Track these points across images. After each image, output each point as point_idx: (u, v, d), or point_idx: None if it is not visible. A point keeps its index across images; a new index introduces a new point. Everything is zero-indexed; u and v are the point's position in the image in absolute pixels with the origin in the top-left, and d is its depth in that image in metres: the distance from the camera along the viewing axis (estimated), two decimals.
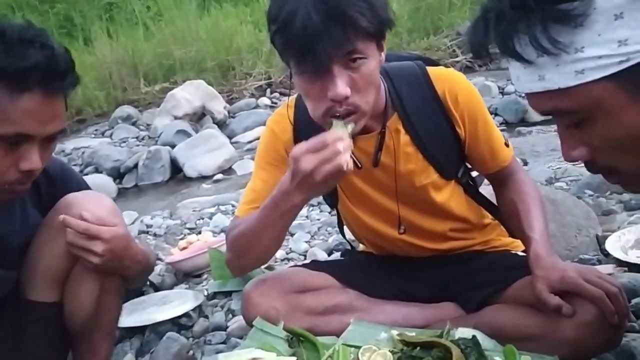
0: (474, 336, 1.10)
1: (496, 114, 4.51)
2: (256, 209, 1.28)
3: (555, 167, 3.04)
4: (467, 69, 5.84)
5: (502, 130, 4.32)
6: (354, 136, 1.19)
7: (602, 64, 0.72)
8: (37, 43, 1.01)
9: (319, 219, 2.73)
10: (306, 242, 2.45)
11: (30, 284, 1.20)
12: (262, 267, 1.79)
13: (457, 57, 5.93)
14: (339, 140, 1.08)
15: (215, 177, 4.27)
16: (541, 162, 3.31)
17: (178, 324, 1.82)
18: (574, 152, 0.79)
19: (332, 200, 1.46)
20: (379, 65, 1.20)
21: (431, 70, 1.34)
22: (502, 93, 5.01)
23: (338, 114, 1.15)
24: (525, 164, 3.23)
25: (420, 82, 1.32)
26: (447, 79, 1.33)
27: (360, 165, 1.33)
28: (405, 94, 1.31)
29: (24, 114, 1.00)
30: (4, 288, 1.18)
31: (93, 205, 1.18)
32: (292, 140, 1.37)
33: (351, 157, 1.31)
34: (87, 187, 1.32)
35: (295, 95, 1.38)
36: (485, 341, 1.14)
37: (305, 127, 1.32)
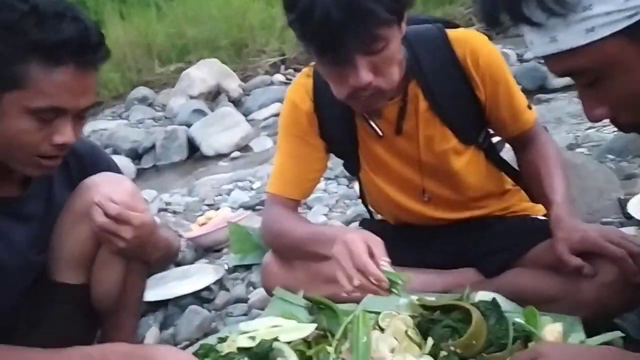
0: (494, 298, 1.10)
1: (515, 82, 4.44)
2: (287, 185, 1.36)
3: (576, 133, 3.00)
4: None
5: None
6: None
7: (611, 20, 0.71)
8: (69, 16, 1.01)
9: (336, 192, 2.73)
10: (324, 215, 2.46)
11: (57, 266, 1.21)
12: None
13: (473, 25, 5.81)
14: None
15: (232, 155, 4.29)
16: (562, 129, 3.26)
17: (200, 297, 1.85)
18: (595, 111, 0.79)
19: (353, 168, 1.45)
20: (400, 39, 1.17)
21: (451, 32, 1.30)
22: (521, 60, 4.92)
23: (361, 96, 1.15)
24: (546, 130, 3.18)
25: (440, 46, 1.29)
26: (467, 41, 1.29)
27: (382, 134, 1.32)
28: (424, 59, 1.28)
29: (58, 88, 1.00)
30: (35, 271, 1.20)
31: (115, 188, 1.18)
32: (313, 110, 1.36)
33: (372, 126, 1.31)
34: (117, 167, 1.33)
35: (313, 64, 1.37)
36: (505, 304, 1.13)
37: (324, 96, 1.31)
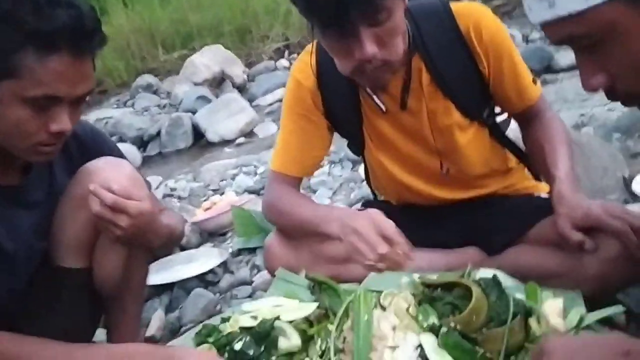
0: (494, 275, 1.09)
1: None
2: (290, 163, 1.37)
3: (583, 113, 2.98)
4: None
5: None
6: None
7: None
8: (63, 3, 0.99)
9: (340, 175, 2.73)
10: (328, 198, 2.46)
11: (59, 251, 1.22)
12: None
13: None
14: None
15: (238, 141, 4.29)
16: (568, 108, 3.23)
17: (204, 280, 1.87)
18: (592, 79, 0.78)
19: (358, 146, 1.44)
20: (403, 9, 1.16)
21: (454, 5, 1.29)
22: (527, 41, 4.87)
23: (366, 70, 1.14)
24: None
25: (443, 19, 1.27)
26: (471, 14, 1.27)
27: (385, 110, 1.32)
28: (427, 32, 1.27)
29: (53, 76, 0.99)
30: (39, 257, 1.21)
31: (115, 174, 1.17)
32: (316, 87, 1.36)
33: (376, 101, 1.30)
34: (119, 151, 1.32)
35: (315, 41, 1.35)
36: (507, 280, 1.13)
37: (327, 73, 1.31)
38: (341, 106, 1.35)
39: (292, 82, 1.40)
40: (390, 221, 1.14)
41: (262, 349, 1.10)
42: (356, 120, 1.36)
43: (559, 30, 0.76)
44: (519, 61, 1.31)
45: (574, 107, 3.24)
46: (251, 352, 1.09)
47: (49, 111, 1.02)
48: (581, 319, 1.01)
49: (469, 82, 1.30)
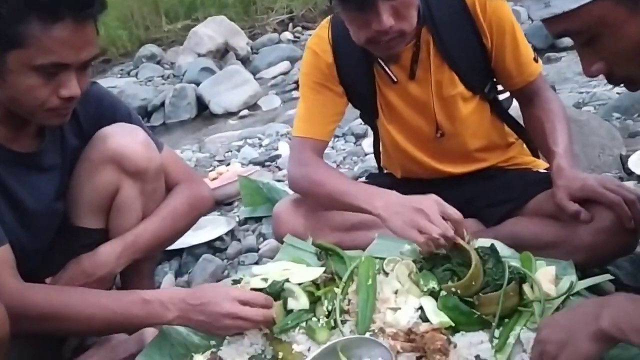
0: (492, 244, 1.16)
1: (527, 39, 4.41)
2: (312, 126, 1.42)
3: (584, 92, 3.01)
4: None
5: None
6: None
7: None
8: None
9: (344, 149, 2.77)
10: None
11: (77, 212, 1.28)
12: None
13: None
14: None
15: (241, 113, 4.32)
16: (570, 87, 3.27)
17: (213, 247, 1.93)
18: (592, 67, 0.85)
19: (371, 116, 1.49)
20: None
21: None
22: (532, 19, 4.86)
23: (382, 40, 1.20)
24: (554, 89, 3.19)
25: None
26: None
27: (396, 80, 1.36)
28: (435, 6, 1.33)
29: (58, 43, 1.02)
30: (59, 217, 1.26)
31: (129, 140, 1.24)
32: (333, 60, 1.41)
33: (386, 72, 1.35)
34: (126, 111, 1.35)
35: (330, 16, 1.42)
36: (503, 249, 1.19)
37: (343, 46, 1.36)
38: (356, 78, 1.41)
39: (309, 54, 1.45)
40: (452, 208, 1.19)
41: None
42: (370, 91, 1.42)
43: (556, 26, 0.83)
44: (521, 38, 1.36)
45: (575, 86, 3.27)
46: None
47: (57, 77, 1.05)
48: (572, 286, 1.08)
49: (473, 55, 1.35)
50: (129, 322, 1.14)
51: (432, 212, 1.15)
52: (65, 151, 1.26)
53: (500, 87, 1.45)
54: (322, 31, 1.43)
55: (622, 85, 0.90)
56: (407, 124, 1.43)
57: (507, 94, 1.46)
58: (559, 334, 0.83)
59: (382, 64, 1.36)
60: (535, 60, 1.38)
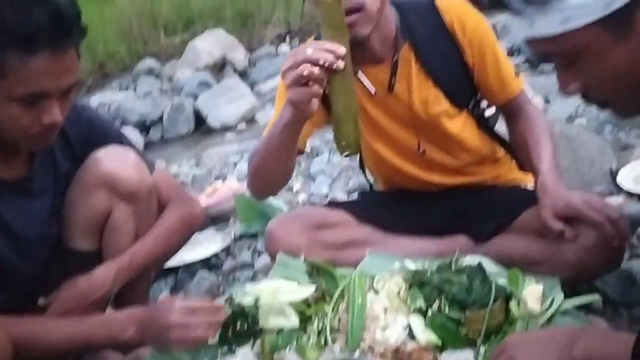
0: (479, 262, 1.18)
1: (519, 52, 4.44)
2: None
3: (577, 104, 3.03)
4: (490, 8, 5.70)
5: (524, 69, 4.28)
6: (365, 65, 1.30)
7: (586, 11, 0.77)
8: (40, 1, 1.01)
9: (339, 164, 2.79)
10: (327, 185, 2.53)
11: (71, 235, 1.29)
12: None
13: None
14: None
15: (239, 127, 4.34)
16: (563, 100, 3.28)
17: (208, 264, 1.94)
18: (568, 88, 0.86)
19: None
20: None
21: (439, 1, 1.38)
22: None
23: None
24: (547, 101, 3.22)
25: (429, 12, 1.37)
26: (455, 8, 1.37)
27: (374, 93, 1.38)
28: (414, 24, 1.36)
29: (37, 73, 1.02)
30: (53, 241, 1.28)
31: (121, 162, 1.26)
32: None
33: (364, 84, 1.37)
34: (117, 132, 1.37)
35: (314, 36, 1.44)
36: (491, 267, 1.21)
37: None
38: None
39: None
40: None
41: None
42: None
43: (538, 47, 0.84)
44: (502, 54, 1.40)
45: (569, 97, 3.29)
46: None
47: (39, 105, 1.06)
48: (553, 304, 1.10)
49: (456, 72, 1.38)
50: (91, 345, 1.17)
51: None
52: (57, 174, 1.27)
53: (484, 104, 1.48)
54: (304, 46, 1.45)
55: (596, 105, 0.91)
56: (389, 136, 1.45)
57: (494, 110, 1.49)
58: (528, 357, 0.84)
59: (360, 77, 1.38)
60: (517, 75, 1.41)
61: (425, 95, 1.38)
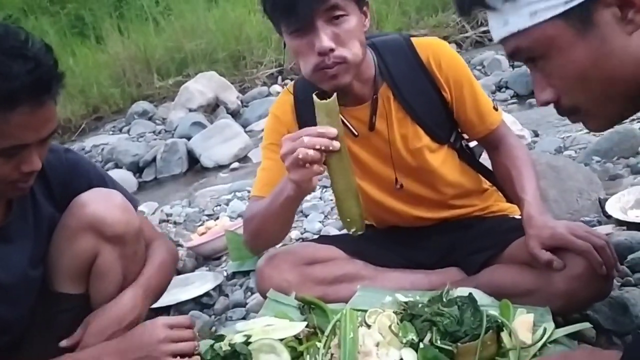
0: (470, 293, 1.18)
1: (507, 87, 4.53)
2: (267, 187, 1.41)
3: (565, 137, 3.08)
4: (477, 44, 5.84)
5: (512, 103, 4.36)
6: (347, 107, 1.32)
7: (551, 4, 0.80)
8: (19, 57, 1.00)
9: (331, 200, 2.81)
10: (320, 222, 2.53)
11: (56, 278, 1.27)
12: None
13: (466, 32, 5.92)
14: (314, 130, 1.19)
15: (232, 166, 4.37)
16: (551, 133, 3.34)
17: (200, 302, 1.93)
18: (542, 94, 0.87)
19: None
20: (363, 27, 1.30)
21: (414, 40, 1.43)
22: (513, 66, 5.00)
23: (327, 67, 1.25)
24: (537, 135, 3.27)
25: (405, 51, 1.40)
26: (429, 46, 1.41)
27: (356, 134, 1.41)
28: (392, 63, 1.39)
29: (17, 128, 1.03)
30: (36, 285, 1.26)
31: (106, 205, 1.25)
32: (294, 121, 1.46)
33: (347, 126, 1.40)
34: (97, 175, 1.37)
35: (292, 82, 1.48)
36: (483, 299, 1.21)
37: (304, 107, 1.41)
38: None
39: (270, 118, 1.51)
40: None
41: None
42: None
43: (510, 44, 0.86)
44: (479, 89, 1.43)
45: (556, 130, 3.35)
46: None
47: (18, 155, 1.06)
48: (545, 333, 1.09)
49: (435, 109, 1.41)
50: None
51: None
52: (38, 218, 1.26)
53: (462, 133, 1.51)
54: (284, 96, 1.50)
55: (569, 117, 0.91)
56: (374, 174, 1.47)
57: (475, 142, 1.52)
58: None
59: (342, 119, 1.40)
60: (495, 109, 1.44)
61: (404, 131, 1.41)
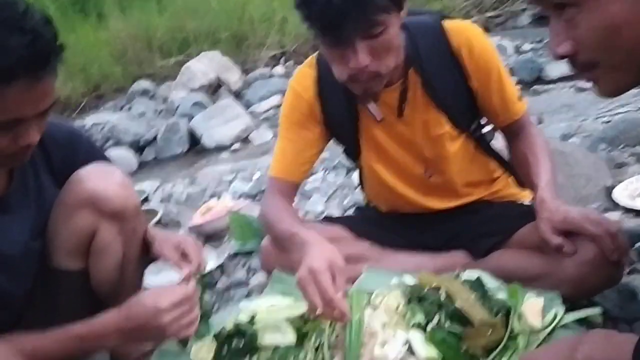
0: (478, 277, 1.16)
1: (512, 74, 4.50)
2: (285, 167, 1.43)
3: (571, 124, 3.06)
4: (483, 29, 5.79)
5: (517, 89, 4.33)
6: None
7: None
8: (16, 30, 0.97)
9: (334, 182, 2.79)
10: (323, 203, 2.52)
11: (55, 254, 1.26)
12: None
13: (472, 17, 5.86)
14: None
15: (233, 147, 4.34)
16: (556, 119, 3.32)
17: (202, 282, 1.91)
18: (559, 47, 0.81)
19: (353, 153, 1.51)
20: (400, 24, 1.24)
21: (447, 23, 1.37)
22: (518, 52, 4.96)
23: (359, 80, 1.22)
24: (541, 121, 3.25)
25: (437, 35, 1.36)
26: (463, 32, 1.36)
27: (380, 119, 1.38)
28: (422, 47, 1.35)
29: (14, 102, 1.00)
30: (38, 257, 1.25)
31: (106, 181, 1.23)
32: (316, 99, 1.42)
33: (370, 111, 1.37)
34: (98, 150, 1.35)
35: (315, 54, 1.43)
36: (491, 282, 1.20)
37: (327, 84, 1.38)
38: (339, 116, 1.42)
39: (290, 93, 1.46)
40: (342, 266, 1.16)
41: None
42: (353, 129, 1.43)
43: None
44: (506, 78, 1.39)
45: (562, 117, 3.33)
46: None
47: (16, 129, 1.04)
48: (555, 318, 1.08)
49: (460, 97, 1.37)
50: (68, 358, 1.16)
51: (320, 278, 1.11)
52: (39, 189, 1.25)
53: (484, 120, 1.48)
54: (305, 69, 1.46)
55: (583, 73, 0.87)
56: (395, 162, 1.44)
57: (491, 127, 1.49)
58: None
59: (367, 102, 1.38)
60: (520, 99, 1.41)
61: (427, 117, 1.38)
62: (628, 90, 0.85)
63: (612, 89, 0.84)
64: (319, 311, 1.08)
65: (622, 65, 0.79)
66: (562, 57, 0.81)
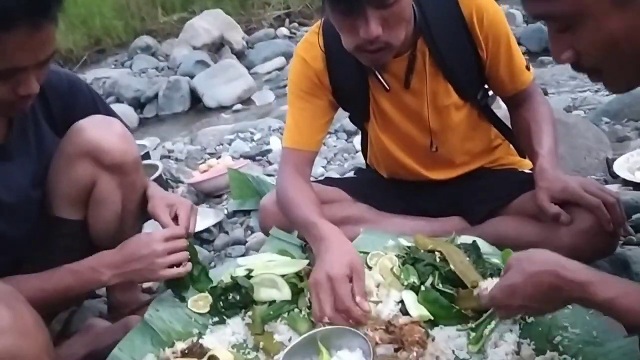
0: (474, 241, 1.17)
1: (520, 43, 4.44)
2: (300, 137, 1.41)
3: (575, 96, 3.04)
4: None
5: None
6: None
7: None
8: None
9: (335, 146, 2.79)
10: (322, 167, 2.53)
11: (55, 203, 1.27)
12: None
13: None
14: None
15: (235, 107, 4.33)
16: (561, 91, 3.30)
17: (200, 238, 1.94)
18: (562, 55, 0.83)
19: (361, 119, 1.49)
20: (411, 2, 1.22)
21: None
22: (527, 22, 4.90)
23: (369, 50, 1.20)
24: (546, 93, 3.23)
25: (448, 4, 1.33)
26: (473, 0, 1.33)
27: (389, 88, 1.37)
28: (432, 16, 1.32)
29: (14, 50, 0.99)
30: (37, 205, 1.25)
31: (106, 132, 1.23)
32: (324, 67, 1.40)
33: (379, 80, 1.35)
34: (98, 100, 1.34)
35: (320, 21, 1.40)
36: (485, 247, 1.21)
37: (335, 53, 1.35)
38: (349, 84, 1.40)
39: (298, 62, 1.43)
40: (362, 274, 1.12)
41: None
42: (364, 97, 1.41)
43: (539, 7, 0.82)
44: (515, 47, 1.37)
45: (567, 89, 3.30)
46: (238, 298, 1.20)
47: (15, 77, 1.03)
48: None
49: (468, 65, 1.36)
50: (65, 294, 1.19)
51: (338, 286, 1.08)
52: (40, 138, 1.24)
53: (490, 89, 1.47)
54: (312, 37, 1.42)
55: (588, 75, 0.88)
56: (400, 132, 1.43)
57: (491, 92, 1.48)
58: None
59: (377, 73, 1.36)
60: (528, 69, 1.40)
61: (435, 87, 1.36)
62: (638, 86, 0.86)
63: (620, 88, 0.86)
64: (325, 320, 1.07)
65: (627, 68, 0.80)
66: (564, 63, 0.83)
